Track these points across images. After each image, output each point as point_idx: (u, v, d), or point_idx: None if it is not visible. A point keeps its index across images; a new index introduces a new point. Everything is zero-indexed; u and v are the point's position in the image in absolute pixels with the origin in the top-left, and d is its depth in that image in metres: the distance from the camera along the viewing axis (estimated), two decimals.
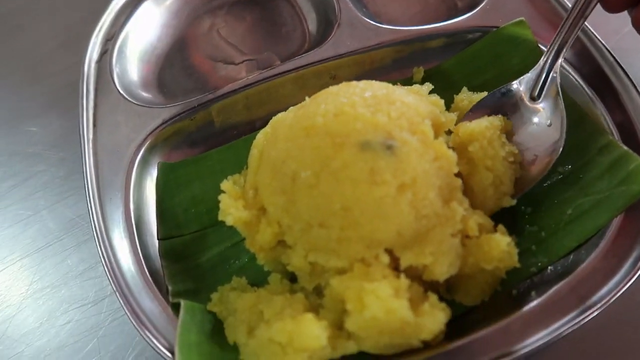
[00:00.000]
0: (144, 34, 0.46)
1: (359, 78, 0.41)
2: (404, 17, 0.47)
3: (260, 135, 0.35)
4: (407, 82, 0.42)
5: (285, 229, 0.31)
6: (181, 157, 0.40)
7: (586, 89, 0.38)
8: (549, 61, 0.34)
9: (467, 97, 0.38)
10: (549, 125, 0.34)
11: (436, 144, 0.30)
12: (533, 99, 0.35)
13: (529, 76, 0.36)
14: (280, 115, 0.35)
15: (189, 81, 0.44)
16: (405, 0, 0.48)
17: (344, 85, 0.33)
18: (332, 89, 0.33)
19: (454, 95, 0.39)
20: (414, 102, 0.32)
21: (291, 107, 0.35)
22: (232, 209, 0.32)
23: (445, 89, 0.40)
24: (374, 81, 0.35)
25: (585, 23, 0.36)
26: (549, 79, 0.35)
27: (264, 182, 0.32)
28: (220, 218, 0.32)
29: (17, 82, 0.47)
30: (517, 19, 0.40)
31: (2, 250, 0.38)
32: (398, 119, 0.29)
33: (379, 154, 0.28)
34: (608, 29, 0.42)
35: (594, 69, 0.38)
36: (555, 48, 0.34)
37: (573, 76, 0.38)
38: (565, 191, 0.34)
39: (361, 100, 0.30)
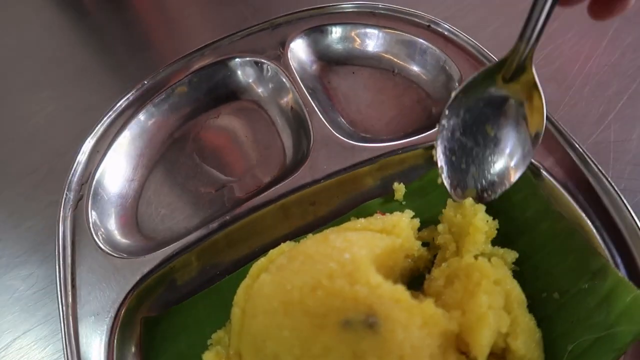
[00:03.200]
0: (119, 169, 0.45)
1: (340, 202, 0.41)
2: (379, 123, 0.46)
3: (241, 291, 0.34)
4: (390, 198, 0.41)
5: None
6: (164, 306, 0.39)
7: (572, 202, 0.36)
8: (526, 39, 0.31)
9: (456, 209, 0.37)
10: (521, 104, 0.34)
11: (423, 307, 0.28)
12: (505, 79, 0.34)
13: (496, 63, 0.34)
14: (259, 265, 0.34)
15: (168, 216, 0.44)
16: (379, 105, 0.47)
17: (320, 242, 0.32)
18: (309, 247, 0.32)
19: (442, 210, 0.38)
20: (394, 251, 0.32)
21: (268, 260, 0.34)
22: None
23: (430, 205, 0.39)
24: (349, 230, 0.34)
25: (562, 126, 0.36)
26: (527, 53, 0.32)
27: (247, 354, 0.31)
28: None
29: None
30: None
31: None
32: (376, 288, 0.28)
33: (360, 334, 0.27)
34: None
35: (578, 178, 0.37)
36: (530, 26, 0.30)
37: (558, 188, 0.37)
38: (563, 323, 0.32)
39: (338, 267, 0.29)
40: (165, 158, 0.47)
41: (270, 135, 0.47)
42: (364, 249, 0.31)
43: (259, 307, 0.30)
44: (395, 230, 0.35)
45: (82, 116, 0.54)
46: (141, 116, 0.47)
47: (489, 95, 0.36)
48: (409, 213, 0.36)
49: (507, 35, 0.50)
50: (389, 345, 0.27)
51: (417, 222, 0.37)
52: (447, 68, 0.46)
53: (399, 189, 0.41)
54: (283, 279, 0.30)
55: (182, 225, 0.43)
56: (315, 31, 0.50)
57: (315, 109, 0.44)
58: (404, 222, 0.35)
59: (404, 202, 0.41)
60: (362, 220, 0.36)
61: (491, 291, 0.30)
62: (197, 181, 0.45)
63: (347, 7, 0.51)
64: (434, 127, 0.42)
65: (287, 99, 0.47)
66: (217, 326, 0.36)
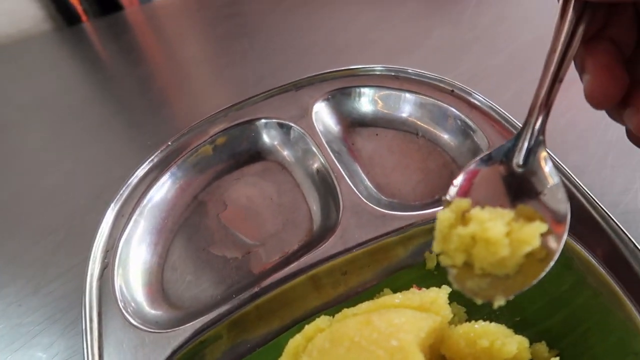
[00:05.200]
0: (144, 233, 0.44)
1: (372, 271, 0.41)
2: (406, 187, 0.46)
3: None
4: (422, 268, 0.41)
5: None
6: None
7: (608, 276, 0.36)
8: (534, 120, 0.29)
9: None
10: (543, 194, 0.29)
11: None
12: (517, 166, 0.31)
13: (507, 145, 0.31)
14: (296, 343, 0.33)
15: (194, 284, 0.43)
16: (405, 169, 0.47)
17: (363, 325, 0.31)
18: (352, 330, 0.31)
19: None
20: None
21: (304, 337, 0.33)
22: None
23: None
24: (388, 307, 0.33)
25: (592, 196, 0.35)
26: (536, 142, 0.30)
27: None
28: None
29: (13, 294, 0.46)
30: None
31: None
32: None
33: None
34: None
35: (610, 249, 0.37)
36: (539, 103, 0.29)
37: (593, 263, 0.37)
38: None
39: (387, 356, 0.29)
40: (189, 221, 0.46)
41: (296, 198, 0.47)
42: (409, 333, 0.30)
43: None
44: (434, 308, 0.34)
45: (102, 174, 0.54)
46: (165, 178, 0.47)
47: (503, 179, 0.31)
48: (445, 289, 0.36)
49: (526, 99, 0.51)
50: None
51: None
52: (472, 134, 0.46)
53: (431, 258, 0.41)
54: None
55: (209, 293, 0.42)
56: (339, 93, 0.51)
57: (343, 174, 0.44)
58: (442, 299, 0.35)
59: (436, 272, 0.41)
60: (399, 295, 0.35)
61: None
62: (222, 246, 0.45)
63: (370, 69, 0.52)
64: None
65: (312, 162, 0.48)
66: None
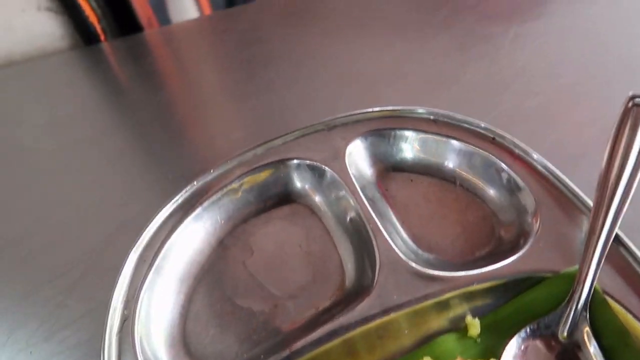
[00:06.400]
0: (166, 280, 0.42)
1: (410, 335, 0.38)
2: (444, 241, 0.44)
3: None
4: (463, 334, 0.38)
5: None
6: None
7: None
8: (578, 294, 0.34)
9: None
10: None
11: None
12: (562, 337, 0.35)
13: (552, 317, 0.35)
14: None
15: (219, 338, 0.40)
16: (442, 220, 0.45)
17: None
18: None
19: None
20: None
21: None
22: None
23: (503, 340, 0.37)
24: None
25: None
26: (579, 316, 0.34)
27: None
28: None
29: (24, 339, 0.43)
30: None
31: None
32: None
33: None
34: None
35: None
36: (582, 278, 0.34)
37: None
38: None
39: None
40: (214, 267, 0.44)
41: (327, 247, 0.45)
42: None
43: None
44: None
45: (119, 208, 0.51)
46: (190, 221, 0.44)
47: (550, 350, 0.35)
48: None
49: (568, 149, 0.49)
50: None
51: None
52: (514, 188, 0.44)
53: (473, 324, 0.38)
54: None
55: (234, 349, 0.40)
56: (374, 135, 0.49)
57: (380, 227, 0.42)
58: None
59: (478, 340, 0.38)
60: None
61: None
62: (248, 297, 0.42)
63: (407, 111, 0.49)
64: (505, 255, 0.40)
65: (345, 209, 0.45)
66: None
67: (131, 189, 0.53)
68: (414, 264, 0.40)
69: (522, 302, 0.39)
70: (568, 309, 0.35)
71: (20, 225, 0.52)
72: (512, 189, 0.44)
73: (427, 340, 0.38)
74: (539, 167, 0.44)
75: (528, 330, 0.36)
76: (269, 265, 0.44)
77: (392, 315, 0.38)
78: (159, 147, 0.57)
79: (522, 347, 0.35)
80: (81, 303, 0.45)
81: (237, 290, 0.43)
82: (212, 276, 0.43)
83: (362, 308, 0.38)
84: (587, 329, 0.34)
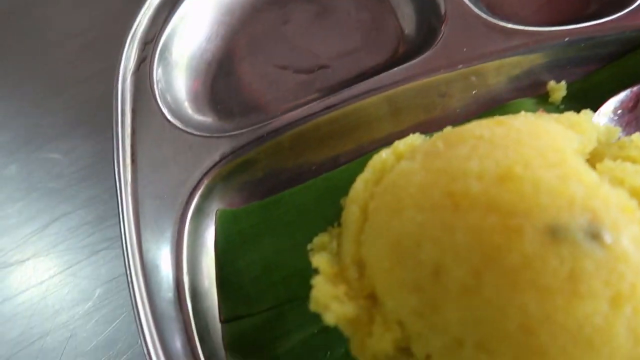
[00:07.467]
0: (190, 35, 0.36)
1: (478, 95, 0.32)
2: (524, 11, 0.36)
3: (360, 185, 0.25)
4: (543, 100, 0.32)
5: (412, 335, 0.21)
6: (245, 201, 0.30)
7: None
8: None
9: None
10: None
11: None
12: None
13: None
14: (383, 158, 0.25)
15: (248, 96, 0.35)
16: None
17: (495, 125, 0.23)
18: (476, 129, 0.22)
19: None
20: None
21: (395, 153, 0.25)
22: (332, 301, 0.22)
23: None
24: (526, 115, 0.25)
25: None
26: None
27: (378, 262, 0.22)
28: (313, 309, 0.23)
29: (32, 92, 0.38)
30: None
31: (17, 327, 0.30)
32: (596, 189, 0.19)
33: (581, 247, 0.18)
34: None
35: None
36: None
37: None
38: None
39: (537, 155, 0.20)
40: (247, 29, 0.37)
41: (381, 14, 0.37)
42: (563, 139, 0.22)
43: (407, 200, 0.22)
44: (577, 130, 0.25)
45: None
46: None
47: None
48: (589, 113, 0.27)
49: None
50: (621, 267, 0.18)
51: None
52: None
53: (557, 88, 0.31)
54: (446, 164, 0.21)
55: (269, 107, 0.34)
56: None
57: None
58: (588, 122, 0.25)
59: (562, 106, 0.31)
60: (529, 114, 0.26)
61: None
62: (284, 60, 0.36)
63: None
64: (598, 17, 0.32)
65: None
66: (311, 229, 0.28)
67: None
68: (490, 18, 0.32)
69: (621, 65, 0.32)
70: None
71: None
72: None
73: (498, 103, 0.32)
74: None
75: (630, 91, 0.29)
76: (310, 31, 0.37)
77: (458, 70, 0.31)
78: None
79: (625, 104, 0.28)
80: (94, 63, 0.40)
81: (272, 54, 0.36)
82: (244, 39, 0.37)
83: (425, 59, 0.31)
84: None
